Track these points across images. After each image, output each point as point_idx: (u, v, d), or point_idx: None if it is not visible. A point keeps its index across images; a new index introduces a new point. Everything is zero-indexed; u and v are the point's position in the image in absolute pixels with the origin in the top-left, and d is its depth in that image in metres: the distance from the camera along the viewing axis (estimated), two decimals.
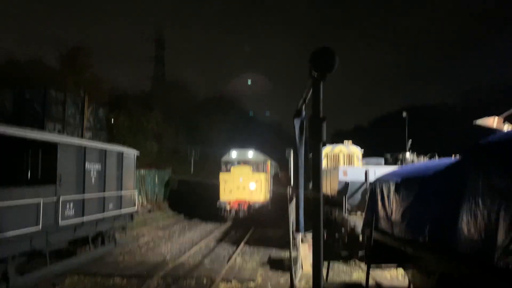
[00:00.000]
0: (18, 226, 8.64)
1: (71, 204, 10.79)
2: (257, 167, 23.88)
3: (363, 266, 11.41)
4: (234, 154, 24.60)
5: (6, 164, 11.57)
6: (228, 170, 23.70)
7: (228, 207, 22.49)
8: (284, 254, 13.77)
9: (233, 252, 14.48)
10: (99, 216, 12.31)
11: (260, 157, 24.64)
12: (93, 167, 12.04)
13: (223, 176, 23.30)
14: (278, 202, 26.62)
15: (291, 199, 11.23)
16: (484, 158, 3.96)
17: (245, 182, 22.91)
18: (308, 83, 3.61)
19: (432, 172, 5.29)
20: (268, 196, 24.25)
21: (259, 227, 20.96)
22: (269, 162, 25.16)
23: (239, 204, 22.56)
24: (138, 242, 16.05)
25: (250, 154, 24.41)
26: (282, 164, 33.84)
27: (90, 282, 10.35)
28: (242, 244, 16.05)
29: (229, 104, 61.81)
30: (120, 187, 13.86)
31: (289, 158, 23.25)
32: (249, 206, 22.48)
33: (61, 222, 10.20)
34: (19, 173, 11.97)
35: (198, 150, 36.03)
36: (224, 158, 24.70)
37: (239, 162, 24.19)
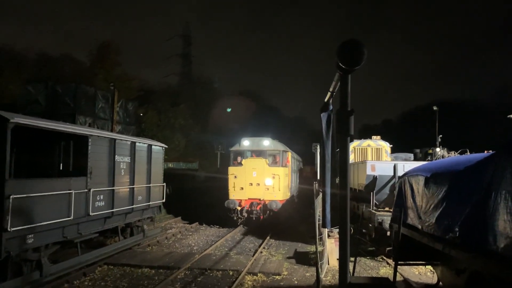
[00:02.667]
0: (51, 216, 8.95)
1: (102, 196, 11.08)
2: (274, 159, 19.39)
3: (391, 261, 11.25)
4: (246, 143, 19.79)
5: (40, 157, 12.01)
6: (239, 163, 19.26)
7: (238, 208, 18.53)
8: (310, 248, 13.73)
9: (259, 245, 14.53)
10: (128, 208, 12.61)
11: (279, 146, 19.93)
12: (122, 160, 12.30)
13: (232, 170, 19.08)
14: (303, 200, 25.80)
15: (317, 194, 11.15)
16: None
17: (259, 177, 18.59)
18: (335, 76, 3.55)
19: (463, 167, 5.14)
20: (288, 195, 20.08)
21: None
22: (289, 154, 20.63)
23: (251, 204, 18.62)
24: (166, 234, 16.33)
25: (266, 143, 19.52)
26: (308, 158, 33.58)
27: (120, 272, 10.62)
28: (268, 237, 16.08)
29: (253, 98, 61.95)
30: (148, 180, 14.12)
31: (315, 153, 22.66)
32: (264, 207, 18.30)
33: (92, 213, 10.50)
34: (52, 165, 12.41)
35: (224, 145, 36.14)
36: (234, 148, 20.03)
37: (252, 153, 19.67)
